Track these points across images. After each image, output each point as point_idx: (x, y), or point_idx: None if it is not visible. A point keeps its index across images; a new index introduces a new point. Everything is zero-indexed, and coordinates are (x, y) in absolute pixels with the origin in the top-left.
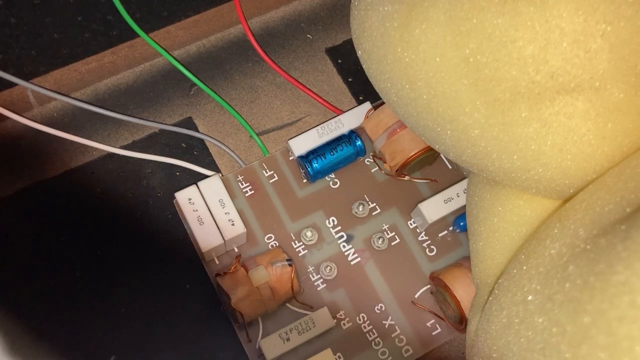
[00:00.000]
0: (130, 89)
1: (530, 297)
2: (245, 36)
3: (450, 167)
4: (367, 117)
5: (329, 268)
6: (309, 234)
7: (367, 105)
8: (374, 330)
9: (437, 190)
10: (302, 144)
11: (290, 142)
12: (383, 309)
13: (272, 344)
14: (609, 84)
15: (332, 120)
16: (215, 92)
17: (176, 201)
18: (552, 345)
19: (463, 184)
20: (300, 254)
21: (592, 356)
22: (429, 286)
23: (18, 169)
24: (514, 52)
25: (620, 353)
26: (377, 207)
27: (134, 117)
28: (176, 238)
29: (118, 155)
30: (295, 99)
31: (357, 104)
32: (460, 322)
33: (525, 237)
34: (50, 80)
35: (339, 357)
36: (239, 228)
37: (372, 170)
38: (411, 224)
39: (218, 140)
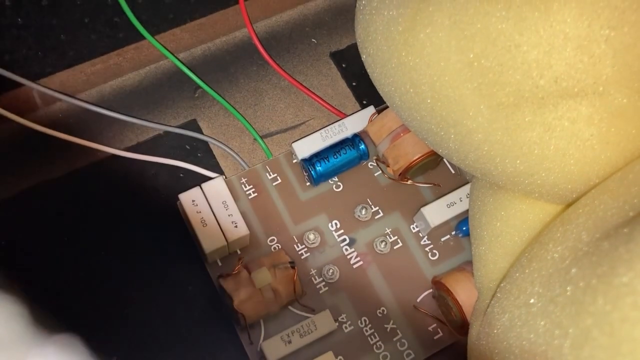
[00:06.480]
0: (136, 91)
1: (532, 300)
2: (250, 39)
3: (453, 171)
4: (370, 120)
5: (331, 271)
6: (311, 236)
7: (371, 109)
8: (375, 334)
9: (440, 194)
10: (305, 147)
11: (294, 145)
12: (385, 312)
13: (273, 347)
14: (613, 89)
15: (336, 124)
16: (220, 95)
17: (180, 203)
18: (554, 348)
19: (466, 189)
20: (302, 257)
21: (594, 358)
22: (431, 290)
23: (23, 170)
24: (518, 57)
25: (622, 355)
26: (379, 210)
27: (138, 118)
28: (179, 240)
29: (122, 156)
30: (299, 102)
31: (361, 108)
32: (462, 326)
33: (528, 241)
34: (56, 82)
35: None
36: (242, 230)
37: (375, 174)
38: (414, 228)
39: (222, 143)
